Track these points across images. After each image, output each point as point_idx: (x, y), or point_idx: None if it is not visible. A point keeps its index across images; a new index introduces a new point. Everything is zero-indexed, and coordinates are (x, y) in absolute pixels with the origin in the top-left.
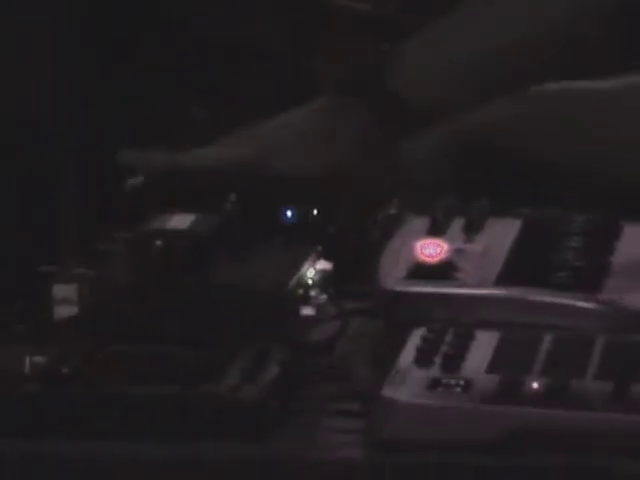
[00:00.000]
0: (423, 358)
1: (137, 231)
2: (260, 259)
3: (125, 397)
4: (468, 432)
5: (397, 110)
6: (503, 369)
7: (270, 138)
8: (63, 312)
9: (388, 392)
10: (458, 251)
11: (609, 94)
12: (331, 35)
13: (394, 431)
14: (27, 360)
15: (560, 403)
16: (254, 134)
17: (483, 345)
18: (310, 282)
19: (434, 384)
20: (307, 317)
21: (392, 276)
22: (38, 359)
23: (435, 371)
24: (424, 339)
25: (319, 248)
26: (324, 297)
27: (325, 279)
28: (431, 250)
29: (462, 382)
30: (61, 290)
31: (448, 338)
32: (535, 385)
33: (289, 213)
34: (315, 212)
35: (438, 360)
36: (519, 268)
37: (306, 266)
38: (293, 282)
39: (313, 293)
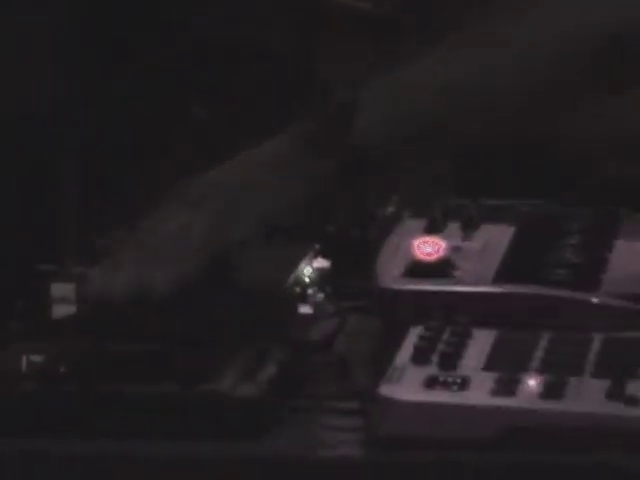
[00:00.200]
0: (420, 356)
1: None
2: (258, 257)
3: (123, 396)
4: (465, 430)
5: (351, 159)
6: (500, 367)
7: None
8: (61, 311)
9: (386, 390)
10: (456, 249)
11: None
12: (331, 35)
13: (392, 429)
14: (25, 359)
15: (557, 401)
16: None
17: (480, 343)
18: (308, 280)
19: (431, 382)
20: (305, 315)
21: (390, 274)
22: (36, 358)
23: (432, 369)
24: (421, 337)
25: (317, 246)
26: (322, 295)
27: (323, 277)
28: (429, 248)
29: (459, 380)
30: (59, 289)
31: (445, 336)
32: (532, 383)
33: None
34: None
35: (435, 358)
36: (517, 265)
37: (304, 264)
38: (291, 280)
39: (311, 291)
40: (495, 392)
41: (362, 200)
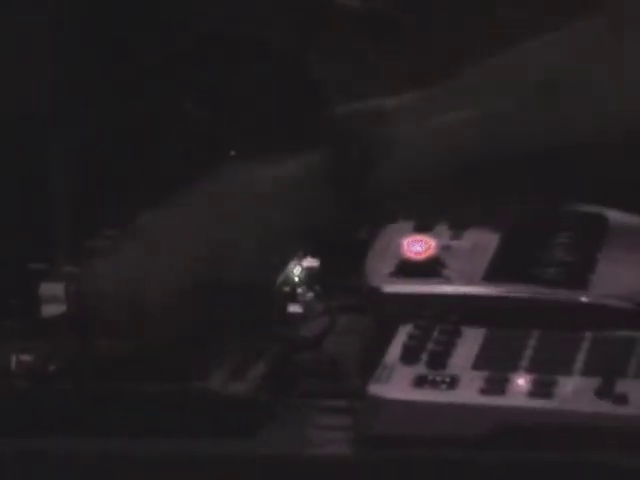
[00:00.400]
0: (410, 355)
1: (125, 228)
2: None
3: (114, 394)
4: (454, 428)
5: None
6: (490, 366)
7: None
8: (51, 310)
9: (375, 389)
10: (445, 248)
11: None
12: (331, 35)
13: (381, 427)
14: (14, 358)
15: (547, 399)
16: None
17: (470, 342)
18: (297, 279)
19: (420, 381)
20: (294, 314)
21: (379, 273)
22: (26, 357)
23: (421, 368)
24: (411, 336)
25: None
26: (311, 294)
27: (312, 276)
28: (418, 247)
29: (448, 379)
30: (49, 288)
31: (435, 335)
32: (522, 381)
33: None
34: None
35: (425, 357)
36: (507, 264)
37: (293, 263)
38: (280, 279)
39: (300, 290)
40: (484, 391)
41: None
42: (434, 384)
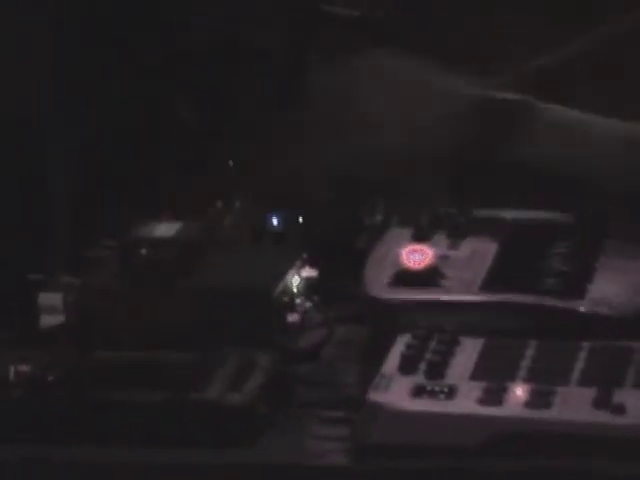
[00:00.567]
0: (408, 365)
1: (123, 239)
2: (246, 266)
3: (111, 404)
4: (453, 438)
5: None
6: (487, 375)
7: None
8: (49, 320)
9: (373, 398)
10: (443, 257)
11: None
12: (331, 36)
13: (379, 437)
14: (13, 368)
15: (544, 409)
16: None
17: (467, 351)
18: (295, 289)
19: (419, 391)
20: (293, 324)
21: (377, 283)
22: (24, 367)
23: (419, 378)
24: (409, 346)
25: (304, 255)
26: (310, 304)
27: (310, 286)
28: (416, 256)
29: (446, 389)
30: (47, 298)
31: (432, 345)
32: (519, 391)
33: (275, 220)
34: (300, 219)
35: (423, 366)
36: (504, 274)
37: (291, 273)
38: (279, 289)
39: (299, 300)
40: (482, 401)
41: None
42: (432, 394)
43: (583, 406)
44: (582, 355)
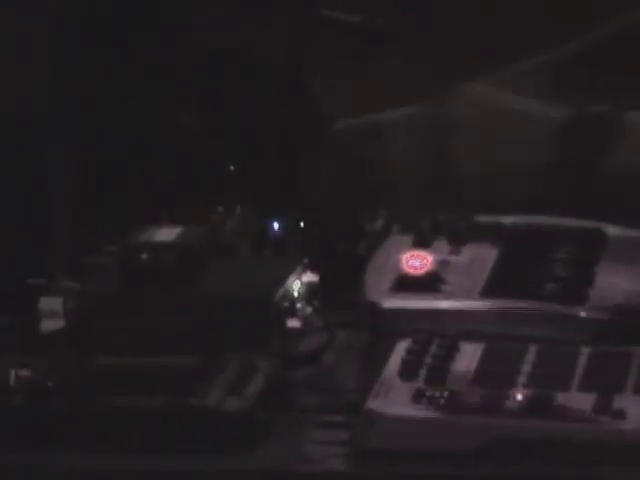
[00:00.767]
0: (408, 370)
1: (124, 244)
2: (246, 271)
3: (111, 409)
4: (452, 443)
5: None
6: (487, 381)
7: None
8: (50, 325)
9: (373, 404)
10: (443, 263)
11: None
12: (330, 43)
13: (379, 442)
14: (13, 372)
15: (544, 415)
16: None
17: (468, 356)
18: (296, 294)
19: (418, 396)
20: (293, 329)
21: (378, 288)
22: (24, 372)
23: (419, 383)
24: (409, 351)
25: (305, 260)
26: (310, 309)
27: (311, 291)
28: (417, 262)
29: (446, 394)
30: (48, 303)
31: (433, 350)
32: (519, 397)
33: (275, 226)
34: (302, 225)
35: (423, 372)
36: (505, 279)
37: (292, 278)
38: (279, 294)
39: (299, 305)
40: (482, 406)
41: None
42: (432, 399)
43: (583, 412)
44: (582, 361)
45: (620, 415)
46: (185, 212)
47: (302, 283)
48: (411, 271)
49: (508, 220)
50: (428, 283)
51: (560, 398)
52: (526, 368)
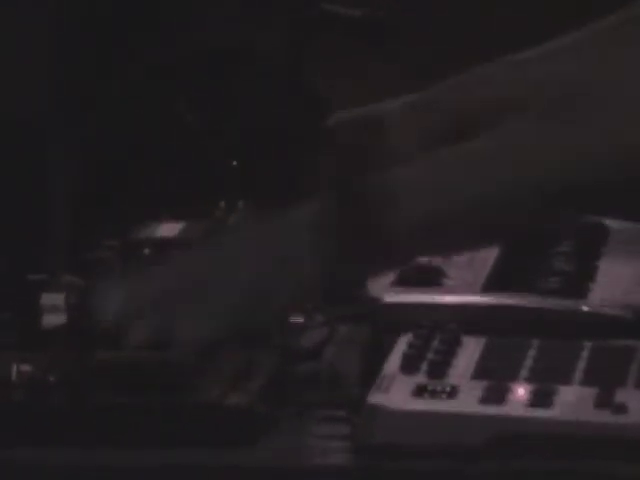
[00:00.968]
0: (409, 364)
1: (126, 240)
2: None
3: (112, 405)
4: (454, 438)
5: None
6: (489, 375)
7: None
8: (51, 320)
9: (374, 398)
10: (445, 257)
11: None
12: (331, 42)
13: (380, 437)
14: (14, 368)
15: (546, 409)
16: None
17: (470, 351)
18: None
19: (420, 390)
20: (294, 324)
21: (379, 282)
22: (25, 367)
23: (421, 377)
24: (410, 345)
25: None
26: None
27: None
28: None
29: (448, 388)
30: (49, 298)
31: (434, 344)
32: (521, 391)
33: None
34: None
35: (424, 366)
36: (507, 274)
37: None
38: None
39: None
40: (484, 400)
41: None
42: (434, 394)
43: (585, 406)
44: (584, 355)
45: (622, 409)
46: (187, 208)
47: None
48: (413, 265)
49: None
50: (430, 277)
51: (562, 392)
52: (528, 362)
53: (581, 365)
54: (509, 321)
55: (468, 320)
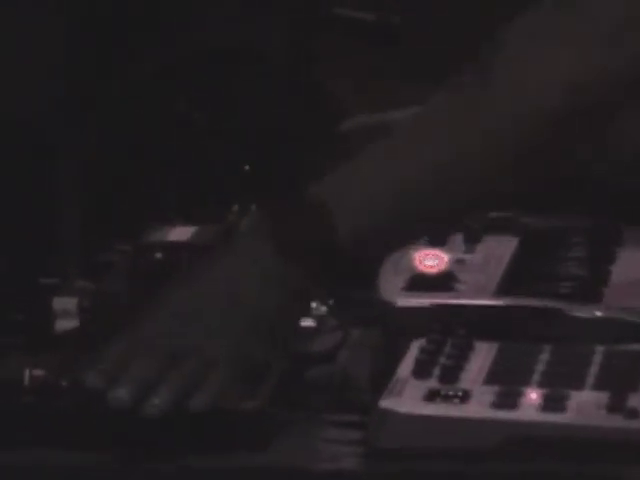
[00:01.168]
0: (422, 369)
1: (137, 243)
2: None
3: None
4: (466, 442)
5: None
6: (502, 380)
7: None
8: (63, 325)
9: (387, 403)
10: (458, 261)
11: None
12: (331, 42)
13: (393, 442)
14: (27, 372)
15: (558, 414)
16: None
17: (482, 355)
18: None
19: (432, 395)
20: (307, 328)
21: (392, 287)
22: (38, 371)
23: (434, 382)
24: (423, 350)
25: None
26: (324, 308)
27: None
28: (431, 261)
29: (460, 393)
30: (61, 303)
31: (447, 349)
32: (533, 395)
33: None
34: None
35: (437, 371)
36: (519, 278)
37: None
38: None
39: (313, 305)
40: (496, 405)
41: None
42: (446, 398)
43: (597, 410)
44: (596, 359)
45: (634, 414)
46: (199, 211)
47: None
48: (425, 269)
49: (524, 218)
50: (442, 281)
51: (574, 397)
52: (540, 367)
53: (593, 370)
54: (521, 326)
55: (480, 325)
